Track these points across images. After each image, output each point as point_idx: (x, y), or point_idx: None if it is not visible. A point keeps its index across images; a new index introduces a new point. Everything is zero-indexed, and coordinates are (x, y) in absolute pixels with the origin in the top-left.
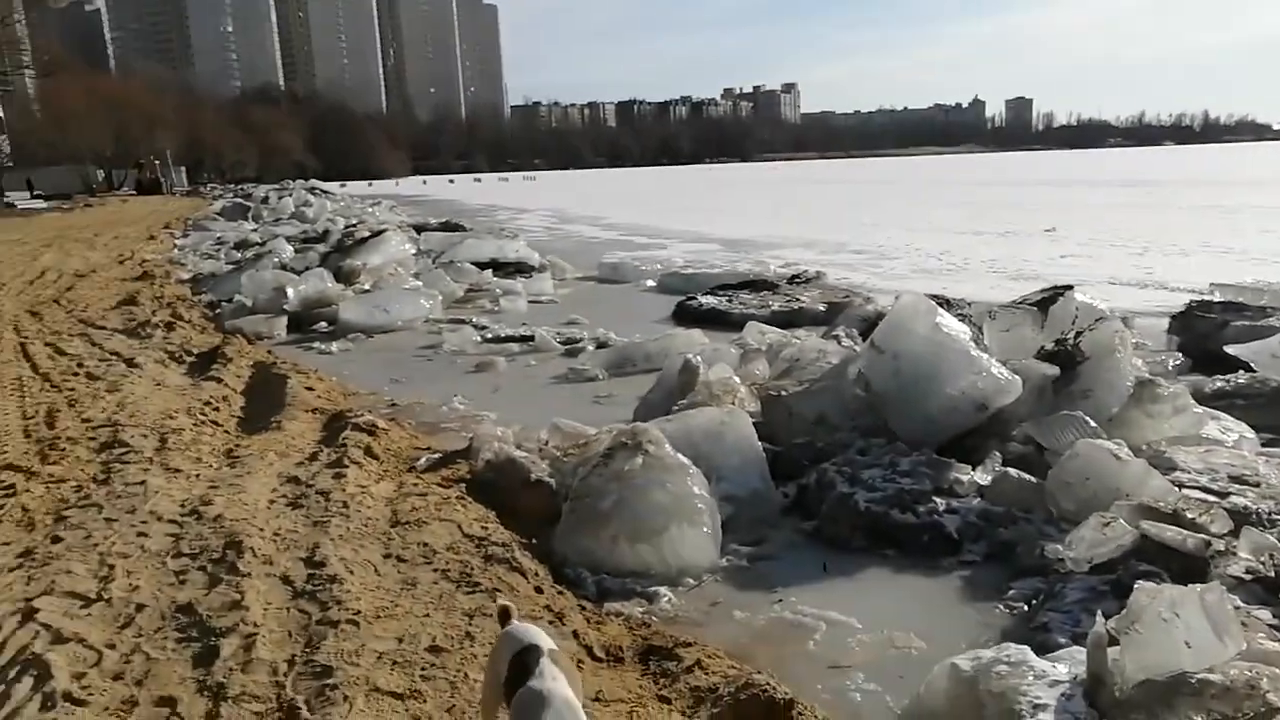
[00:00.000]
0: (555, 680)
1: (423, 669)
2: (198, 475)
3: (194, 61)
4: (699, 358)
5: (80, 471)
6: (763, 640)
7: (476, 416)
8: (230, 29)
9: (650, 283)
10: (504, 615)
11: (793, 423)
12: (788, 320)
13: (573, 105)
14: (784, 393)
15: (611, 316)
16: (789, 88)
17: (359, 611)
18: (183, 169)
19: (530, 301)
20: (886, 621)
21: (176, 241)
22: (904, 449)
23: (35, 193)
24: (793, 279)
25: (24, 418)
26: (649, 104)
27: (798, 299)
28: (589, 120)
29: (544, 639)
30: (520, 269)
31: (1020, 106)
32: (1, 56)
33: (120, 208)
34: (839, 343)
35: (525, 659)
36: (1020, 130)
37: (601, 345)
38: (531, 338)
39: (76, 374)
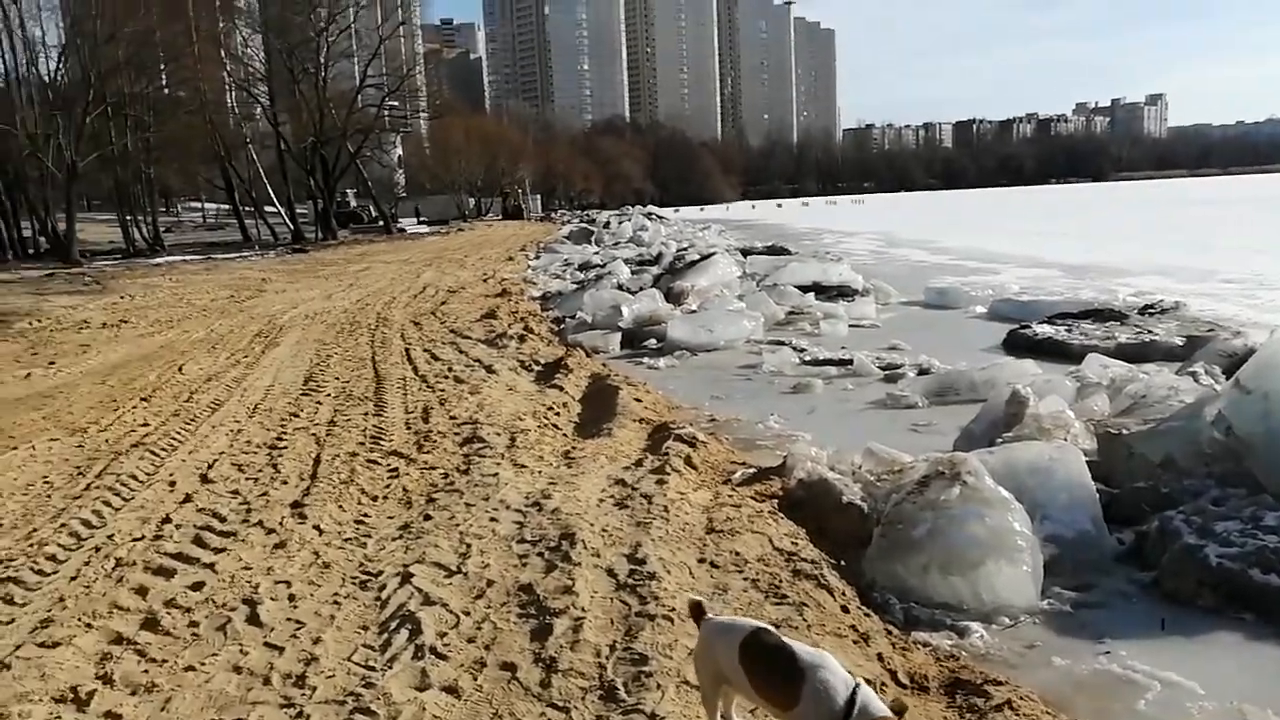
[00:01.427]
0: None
1: None
2: (540, 472)
3: (554, 98)
4: (1029, 389)
5: (447, 461)
6: (1084, 691)
7: (792, 436)
8: (586, 67)
9: (980, 309)
10: (697, 610)
11: (1133, 464)
12: (1136, 354)
13: (907, 127)
14: (1125, 431)
15: (935, 343)
16: (1154, 99)
17: (674, 609)
18: (538, 196)
19: (851, 325)
20: (1237, 692)
21: (530, 262)
22: (1270, 502)
23: (421, 218)
24: (1145, 309)
25: (406, 412)
26: (989, 122)
27: (1150, 331)
28: (923, 141)
29: (752, 622)
30: (843, 293)
31: None
32: (404, 103)
33: (486, 232)
34: (1196, 380)
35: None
36: None
37: (923, 372)
38: (850, 361)
39: (447, 377)
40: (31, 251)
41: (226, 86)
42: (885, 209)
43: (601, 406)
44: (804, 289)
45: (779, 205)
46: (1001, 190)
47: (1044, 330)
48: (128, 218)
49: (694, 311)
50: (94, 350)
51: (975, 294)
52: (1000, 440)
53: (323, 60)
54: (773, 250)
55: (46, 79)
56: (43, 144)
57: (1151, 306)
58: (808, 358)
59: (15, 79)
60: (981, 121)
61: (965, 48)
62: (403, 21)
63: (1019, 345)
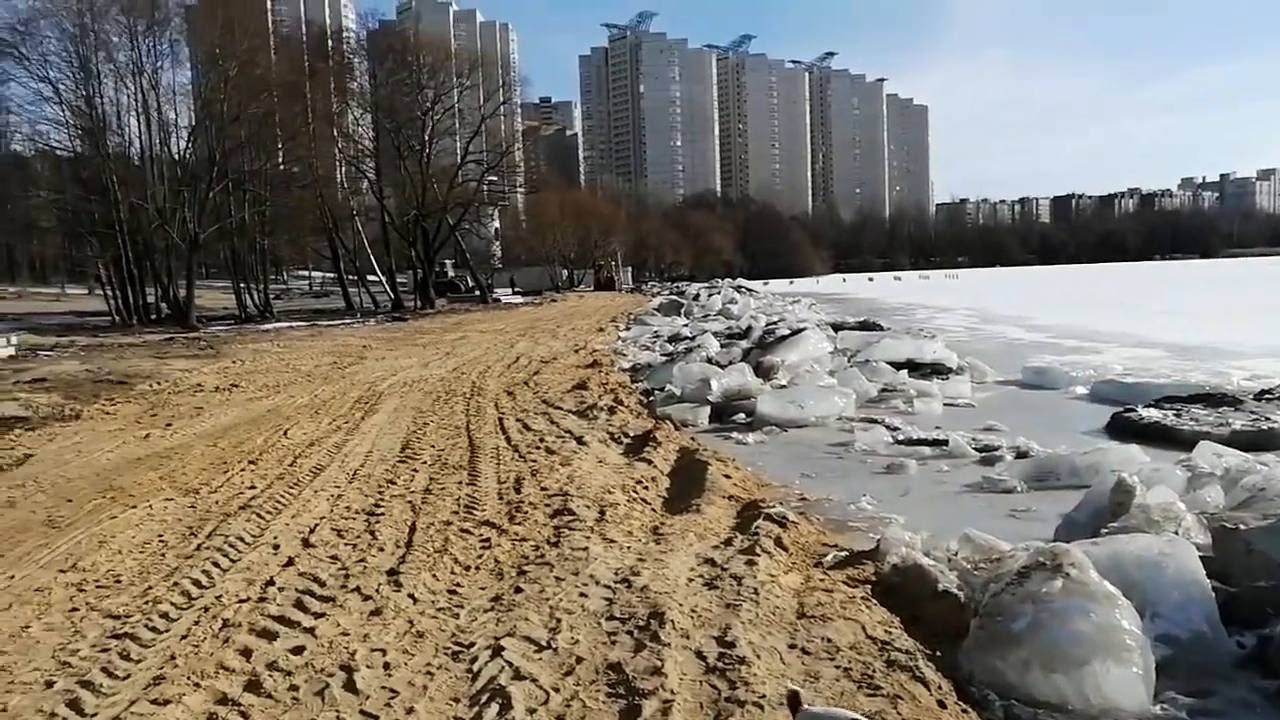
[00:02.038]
0: None
1: None
2: (629, 547)
3: (646, 173)
4: (1136, 477)
5: (538, 533)
6: None
7: (884, 518)
8: (679, 143)
9: (1081, 390)
10: (794, 700)
11: (1252, 561)
12: (1253, 442)
13: (1002, 201)
14: (1244, 526)
15: (1034, 425)
16: (1266, 174)
17: (764, 695)
18: (629, 268)
19: (946, 404)
20: None
21: (620, 334)
22: None
23: (515, 289)
24: (1262, 394)
25: (499, 482)
26: (1089, 197)
27: (1267, 418)
28: (1019, 216)
29: (848, 713)
30: (937, 370)
31: None
32: (503, 177)
33: (578, 302)
34: None
35: None
36: None
37: (1021, 455)
38: (945, 442)
39: (538, 447)
40: (154, 316)
41: (337, 162)
42: (980, 284)
43: (690, 481)
44: (897, 366)
45: (870, 279)
46: (1102, 266)
47: (1151, 414)
48: (241, 285)
49: (784, 387)
50: (207, 413)
51: (1076, 374)
52: (1105, 531)
53: (427, 138)
54: (864, 326)
55: (176, 157)
56: (170, 217)
57: (1269, 391)
58: (901, 437)
59: (149, 157)
60: (1081, 196)
61: (1063, 123)
62: (504, 101)
63: (1124, 430)
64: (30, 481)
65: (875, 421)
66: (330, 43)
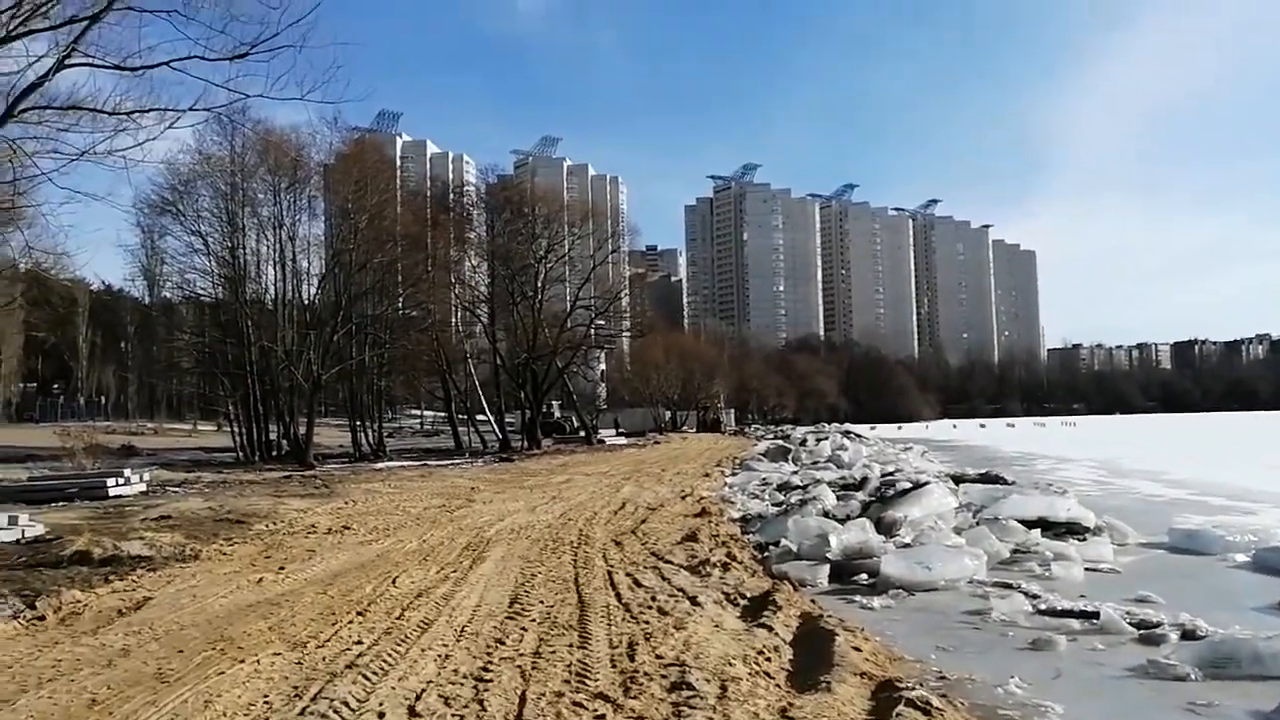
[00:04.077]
0: None
1: None
2: None
3: (749, 318)
4: None
5: (655, 710)
6: None
7: (1039, 706)
8: (781, 288)
9: (1242, 557)
10: None
11: None
12: None
13: (1118, 347)
14: None
15: (1194, 597)
16: None
17: None
18: (731, 410)
19: (1087, 569)
20: None
21: (727, 480)
22: None
23: (619, 430)
24: None
25: (611, 646)
26: (1214, 343)
27: None
28: (1137, 362)
29: None
30: (1072, 530)
31: None
32: (611, 322)
33: (682, 445)
34: None
35: None
36: None
37: (1188, 634)
38: (1096, 615)
39: (650, 607)
40: (275, 453)
41: (453, 307)
42: (1101, 432)
43: (815, 653)
44: (1028, 524)
45: (982, 425)
46: (1232, 415)
47: None
48: (357, 424)
49: (908, 545)
50: (318, 556)
51: (1232, 538)
52: None
53: (540, 284)
54: (987, 478)
55: (306, 302)
56: (296, 359)
57: None
58: (1043, 606)
59: (281, 303)
60: (1204, 342)
61: (1183, 267)
62: (613, 249)
63: None
64: (146, 628)
65: (1011, 587)
66: (452, 196)
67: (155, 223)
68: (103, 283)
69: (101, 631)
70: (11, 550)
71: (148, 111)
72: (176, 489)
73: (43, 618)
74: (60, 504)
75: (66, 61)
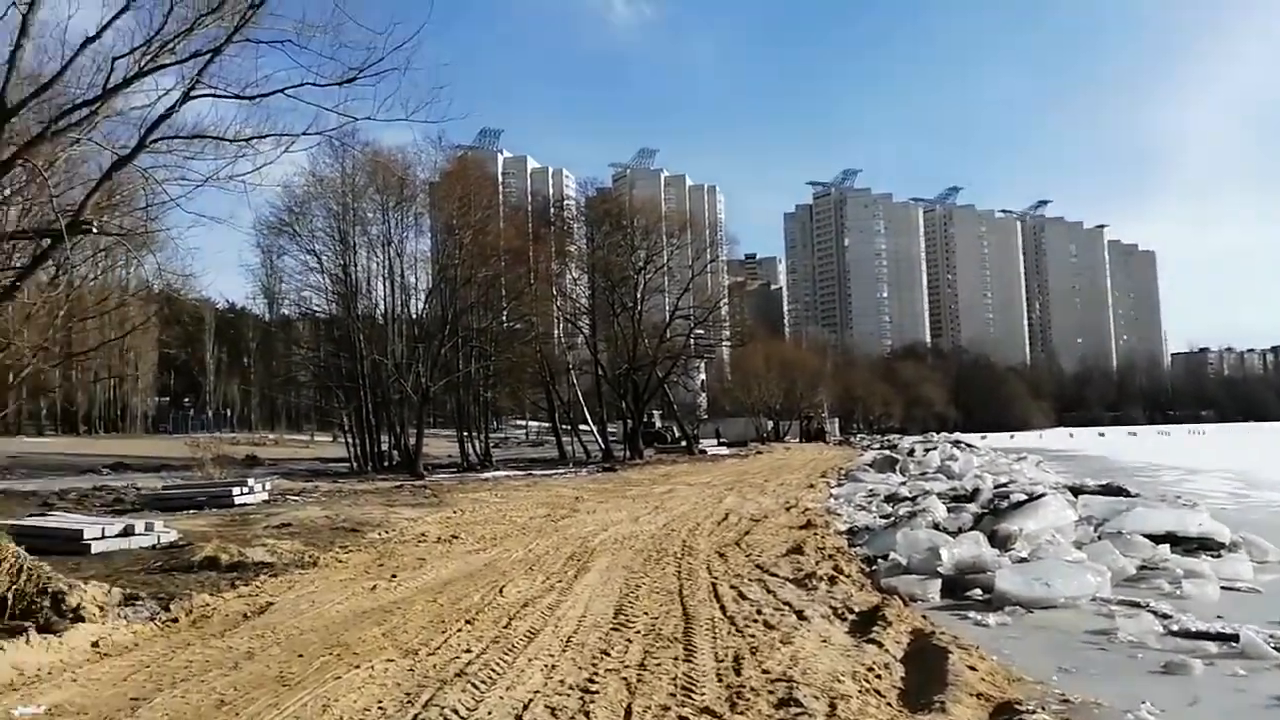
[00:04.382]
0: None
1: None
2: None
3: (852, 325)
4: None
5: None
6: None
7: None
8: (885, 295)
9: None
10: None
11: None
12: None
13: (1250, 350)
14: None
15: None
16: None
17: None
18: (835, 420)
19: (1223, 588)
20: None
21: (832, 491)
22: None
23: (720, 440)
24: None
25: (716, 660)
26: None
27: None
28: (1273, 366)
29: None
30: (1204, 545)
31: None
32: (710, 331)
33: (784, 455)
34: None
35: None
36: None
37: None
38: (1235, 637)
39: (755, 620)
40: (387, 464)
41: (555, 319)
42: (1233, 441)
43: (928, 671)
44: (1155, 539)
45: (1101, 434)
46: None
47: None
48: (464, 434)
49: (1024, 560)
50: (428, 565)
51: None
52: None
53: (639, 295)
54: (1108, 490)
55: (414, 317)
56: (405, 371)
57: None
58: (1175, 626)
59: (391, 317)
60: None
61: None
62: (712, 259)
63: None
64: (269, 632)
65: (1139, 605)
66: (553, 210)
67: (273, 243)
68: (227, 301)
69: (228, 634)
70: (149, 555)
71: (265, 137)
72: (296, 498)
73: (176, 620)
74: (191, 511)
75: (192, 93)
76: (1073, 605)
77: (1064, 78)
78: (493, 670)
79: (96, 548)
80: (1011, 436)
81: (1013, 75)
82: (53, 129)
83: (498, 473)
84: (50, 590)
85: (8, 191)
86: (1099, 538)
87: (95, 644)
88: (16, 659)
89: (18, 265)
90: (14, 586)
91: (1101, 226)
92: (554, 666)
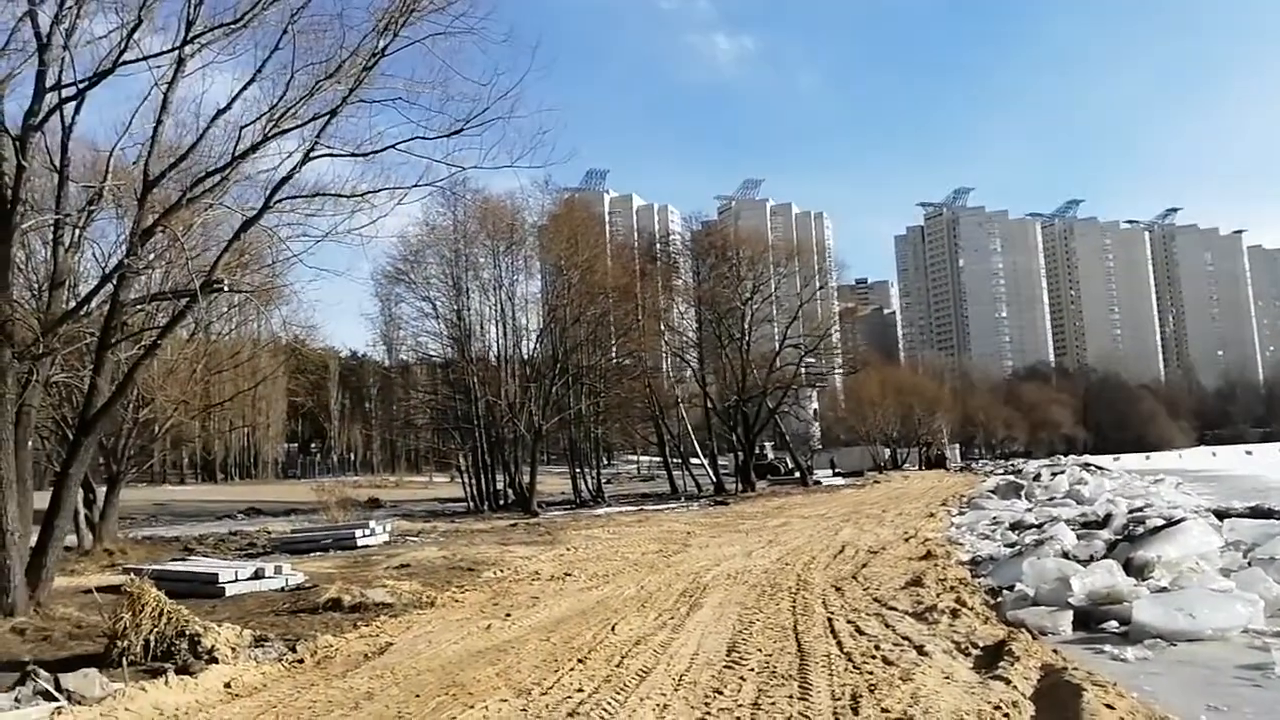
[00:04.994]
0: None
1: None
2: None
3: (970, 347)
4: None
5: None
6: None
7: None
8: (1004, 314)
9: None
10: None
11: None
12: None
13: None
14: None
15: None
16: None
17: None
18: (956, 445)
19: None
20: None
21: (954, 519)
22: None
23: (835, 470)
24: None
25: (833, 699)
26: None
27: None
28: None
29: None
30: None
31: None
32: (821, 360)
33: (903, 483)
34: None
35: None
36: None
37: None
38: None
39: (874, 656)
40: (502, 502)
41: (663, 354)
42: None
43: (1060, 709)
44: None
45: (1248, 453)
46: None
47: None
48: (577, 470)
49: (1164, 589)
50: (542, 603)
51: None
52: None
53: (747, 326)
54: (1258, 512)
55: (526, 357)
56: (518, 410)
57: None
58: None
59: (503, 359)
60: None
61: None
62: (821, 286)
63: None
64: (388, 672)
65: None
66: (658, 246)
67: (390, 291)
68: (349, 349)
69: (350, 675)
70: (278, 597)
71: (379, 191)
72: (414, 538)
73: (301, 661)
74: (317, 554)
75: (311, 154)
76: (1221, 638)
77: (1185, 81)
78: (604, 710)
79: (230, 590)
80: (1147, 458)
81: (1128, 81)
82: (189, 195)
83: (610, 508)
84: (188, 633)
85: (151, 256)
86: (1249, 564)
87: (227, 684)
88: (157, 699)
89: (159, 325)
90: (155, 629)
91: (1239, 232)
92: (666, 706)
